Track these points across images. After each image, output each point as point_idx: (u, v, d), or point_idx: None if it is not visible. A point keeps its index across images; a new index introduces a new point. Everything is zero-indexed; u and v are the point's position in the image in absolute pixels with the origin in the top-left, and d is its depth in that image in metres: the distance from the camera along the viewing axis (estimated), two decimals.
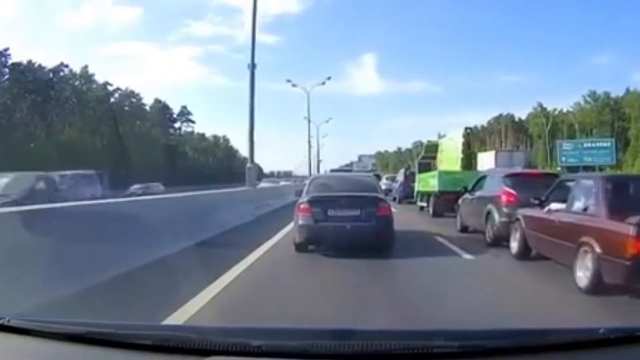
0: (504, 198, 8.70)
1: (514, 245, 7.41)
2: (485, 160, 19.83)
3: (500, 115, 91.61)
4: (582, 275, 5.21)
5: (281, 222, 11.53)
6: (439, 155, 18.04)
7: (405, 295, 5.37)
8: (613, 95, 72.75)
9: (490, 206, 8.95)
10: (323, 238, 7.67)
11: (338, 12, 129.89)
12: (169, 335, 1.60)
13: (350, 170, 37.53)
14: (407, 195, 21.43)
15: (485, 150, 34.78)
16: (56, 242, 4.83)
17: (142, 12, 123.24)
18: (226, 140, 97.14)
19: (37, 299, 3.93)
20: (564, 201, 6.21)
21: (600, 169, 47.55)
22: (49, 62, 60.41)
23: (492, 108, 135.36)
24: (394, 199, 23.34)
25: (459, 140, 16.31)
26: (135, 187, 40.99)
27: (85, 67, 64.50)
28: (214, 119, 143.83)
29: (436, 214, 14.93)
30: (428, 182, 16.52)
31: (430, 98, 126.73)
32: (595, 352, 1.48)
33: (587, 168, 47.21)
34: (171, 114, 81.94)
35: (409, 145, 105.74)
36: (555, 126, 76.96)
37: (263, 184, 34.44)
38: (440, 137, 20.14)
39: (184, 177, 58.20)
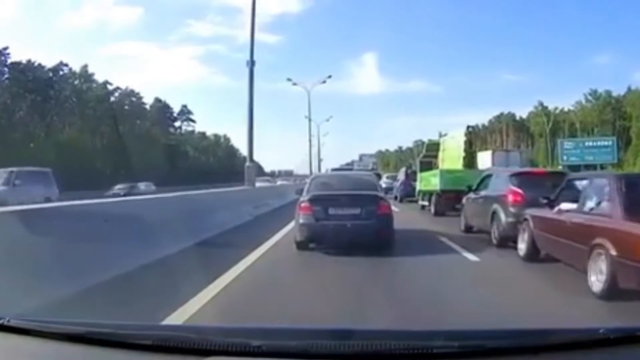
0: (510, 197, 8.43)
1: (522, 246, 7.14)
2: (484, 160, 19.83)
3: (501, 114, 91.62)
4: (596, 279, 4.95)
5: (280, 222, 11.54)
6: (440, 154, 18.01)
7: (408, 299, 5.12)
8: (614, 94, 72.78)
9: (496, 206, 8.69)
10: (324, 236, 7.74)
11: (338, 12, 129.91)
12: (168, 335, 1.60)
13: (351, 169, 37.51)
14: (408, 194, 21.44)
15: (486, 149, 34.75)
16: (56, 242, 4.83)
17: (142, 11, 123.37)
18: (227, 139, 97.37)
19: (37, 299, 3.94)
20: (574, 201, 5.96)
21: (602, 168, 47.52)
22: (49, 62, 60.52)
23: (493, 107, 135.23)
24: (395, 198, 23.37)
25: (461, 138, 16.25)
26: (118, 187, 38.79)
27: (85, 66, 64.52)
28: (215, 118, 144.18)
29: (438, 213, 14.87)
30: (430, 181, 16.49)
31: (431, 97, 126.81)
32: (595, 352, 1.47)
33: (588, 167, 47.18)
34: (171, 113, 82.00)
35: (410, 144, 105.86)
36: (556, 125, 76.91)
37: (257, 184, 34.34)
38: (441, 135, 20.06)
39: (185, 176, 58.27)
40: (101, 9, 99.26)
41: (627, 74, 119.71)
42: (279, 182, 47.68)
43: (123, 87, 70.65)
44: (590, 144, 57.78)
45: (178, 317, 4.08)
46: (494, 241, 8.55)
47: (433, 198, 15.56)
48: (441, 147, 18.22)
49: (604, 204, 5.32)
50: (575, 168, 42.81)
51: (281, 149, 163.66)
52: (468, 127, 17.26)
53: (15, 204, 10.27)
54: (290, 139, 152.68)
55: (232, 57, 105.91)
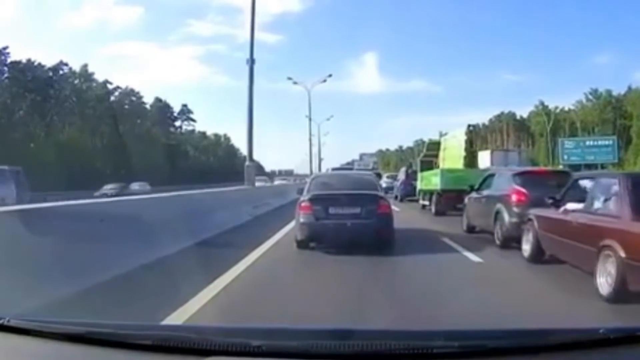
0: (514, 197, 8.27)
1: (526, 247, 6.96)
2: (483, 159, 19.85)
3: (502, 113, 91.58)
4: (604, 281, 4.79)
5: (280, 222, 11.53)
6: (441, 153, 17.97)
7: (409, 301, 5.00)
8: (615, 93, 72.68)
9: (499, 206, 8.52)
10: (324, 235, 7.79)
11: (339, 11, 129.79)
12: (168, 335, 1.60)
13: (351, 169, 37.55)
14: (409, 193, 21.45)
15: (486, 148, 34.76)
16: (56, 242, 4.83)
17: (143, 11, 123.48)
18: (227, 139, 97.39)
19: (37, 299, 3.93)
20: (581, 201, 5.80)
21: (602, 167, 47.50)
22: (49, 62, 60.51)
23: (494, 107, 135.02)
24: (396, 197, 23.38)
25: (462, 137, 16.19)
26: (108, 187, 37.88)
27: (85, 65, 64.53)
28: (215, 118, 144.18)
29: (438, 213, 14.84)
30: (430, 180, 16.47)
31: (431, 97, 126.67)
32: (595, 352, 1.47)
33: (589, 166, 47.16)
34: (172, 113, 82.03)
35: (410, 144, 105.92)
36: (557, 124, 76.82)
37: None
38: (441, 135, 20.05)
39: (185, 176, 58.31)
40: (101, 9, 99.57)
41: (627, 74, 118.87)
42: (276, 182, 45.71)
43: (123, 86, 70.82)
44: (591, 143, 57.77)
45: (178, 317, 4.08)
46: (497, 242, 8.40)
47: (434, 197, 15.54)
48: (442, 147, 18.19)
49: (613, 204, 5.16)
50: (575, 167, 42.82)
51: (282, 149, 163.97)
52: (469, 126, 17.17)
53: None
54: (291, 139, 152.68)
55: (233, 56, 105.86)
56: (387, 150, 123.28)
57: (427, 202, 16.79)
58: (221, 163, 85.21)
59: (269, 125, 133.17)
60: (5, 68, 55.59)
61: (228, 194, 15.29)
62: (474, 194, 10.33)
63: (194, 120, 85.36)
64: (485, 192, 9.75)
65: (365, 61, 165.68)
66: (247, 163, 18.48)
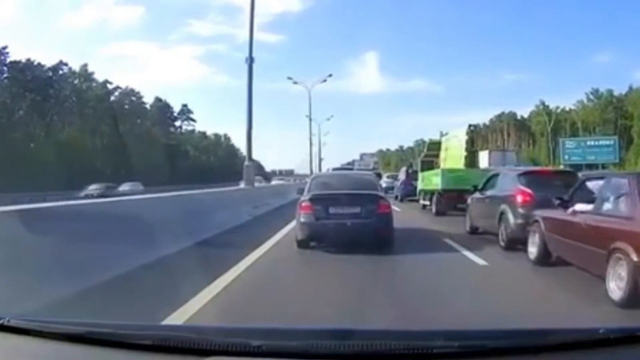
0: (519, 198, 8.06)
1: (532, 249, 6.76)
2: (481, 160, 19.85)
3: (503, 113, 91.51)
4: (615, 286, 4.61)
5: (280, 222, 11.51)
6: (442, 153, 17.94)
7: (411, 304, 4.85)
8: (616, 93, 72.64)
9: (503, 206, 8.31)
10: (324, 235, 7.86)
11: (339, 11, 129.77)
12: (168, 335, 1.61)
13: (351, 169, 37.61)
14: (409, 193, 21.44)
15: (487, 148, 34.74)
16: (56, 242, 4.83)
17: (144, 11, 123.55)
18: (227, 138, 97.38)
19: (37, 300, 3.94)
20: (589, 202, 5.62)
21: (603, 167, 47.51)
22: (49, 62, 60.54)
23: (494, 107, 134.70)
24: (396, 197, 23.38)
25: (463, 137, 16.16)
26: (92, 187, 36.31)
27: (85, 65, 64.55)
28: (216, 118, 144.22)
29: (439, 213, 14.82)
30: (431, 180, 16.46)
31: (431, 97, 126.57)
32: (595, 352, 1.47)
33: (590, 166, 47.17)
34: (172, 113, 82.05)
35: (411, 144, 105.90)
36: (557, 124, 76.82)
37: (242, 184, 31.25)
38: (442, 135, 20.02)
39: (185, 175, 58.32)
40: (101, 9, 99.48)
41: (628, 73, 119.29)
42: (274, 182, 43.70)
43: (123, 86, 70.85)
44: (592, 143, 57.84)
45: (178, 317, 4.08)
46: (502, 243, 8.20)
47: (434, 197, 15.52)
48: (442, 147, 18.17)
49: (624, 205, 4.95)
50: (577, 168, 42.80)
51: (282, 149, 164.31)
52: (470, 126, 17.13)
53: None
54: (291, 139, 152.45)
55: (233, 56, 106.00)
56: (388, 150, 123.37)
57: (427, 202, 16.78)
58: (221, 163, 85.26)
59: (270, 125, 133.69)
60: (5, 68, 55.62)
61: (228, 194, 15.28)
62: (477, 194, 10.15)
63: (194, 120, 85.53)
64: (489, 193, 9.59)
65: (365, 61, 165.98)
66: (246, 163, 18.29)
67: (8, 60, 55.51)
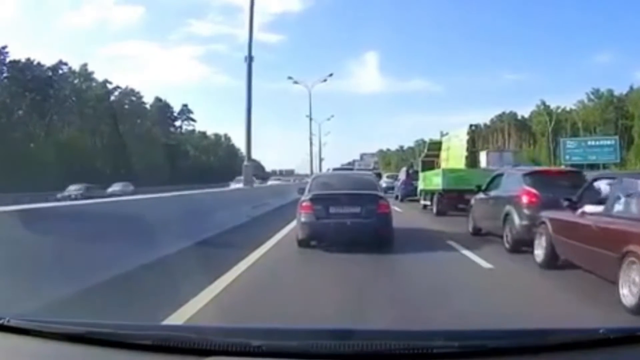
0: (524, 198, 7.83)
1: (539, 252, 6.52)
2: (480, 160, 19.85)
3: (503, 113, 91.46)
4: (628, 291, 4.39)
5: (280, 222, 11.49)
6: (442, 153, 17.91)
7: (414, 310, 4.67)
8: (617, 93, 72.60)
9: (508, 207, 8.06)
10: (324, 234, 7.94)
11: (340, 11, 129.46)
12: (169, 335, 1.61)
13: (352, 169, 37.68)
14: (409, 193, 21.44)
15: (488, 148, 34.71)
16: (56, 242, 4.83)
17: (144, 11, 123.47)
18: (227, 138, 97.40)
19: (38, 300, 3.94)
20: (599, 203, 5.42)
21: (604, 167, 47.51)
22: (50, 62, 60.56)
23: (495, 107, 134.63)
24: (396, 197, 23.39)
25: (464, 137, 16.12)
26: (72, 188, 34.72)
27: (85, 65, 64.55)
28: (216, 118, 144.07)
29: (440, 213, 14.81)
30: (432, 180, 16.44)
31: (432, 97, 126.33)
32: (595, 352, 1.47)
33: (591, 166, 47.18)
34: (172, 113, 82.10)
35: (411, 144, 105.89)
36: (558, 124, 76.78)
37: (235, 184, 27.89)
38: (442, 135, 20.01)
39: (185, 175, 58.35)
40: (102, 9, 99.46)
41: (629, 73, 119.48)
42: (270, 182, 40.72)
43: (123, 86, 70.87)
44: (593, 143, 57.85)
45: (178, 317, 4.08)
46: (507, 245, 7.95)
47: (435, 198, 15.51)
48: (443, 146, 18.15)
49: (637, 207, 4.77)
50: (578, 168, 42.73)
51: (282, 149, 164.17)
52: (471, 125, 17.09)
53: None
54: (292, 139, 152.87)
55: (233, 56, 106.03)
56: (388, 150, 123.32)
57: (428, 202, 16.76)
58: (221, 163, 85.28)
59: (270, 125, 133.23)
60: (5, 67, 55.64)
61: (228, 194, 15.27)
62: (480, 195, 9.94)
63: (194, 120, 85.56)
64: (493, 193, 9.36)
65: (365, 61, 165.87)
66: (245, 163, 18.13)
67: (7, 59, 55.58)
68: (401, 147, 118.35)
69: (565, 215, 6.06)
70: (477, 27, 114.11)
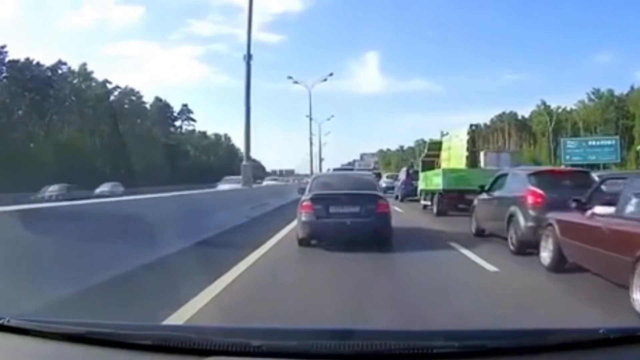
0: (530, 199, 7.63)
1: (546, 255, 6.31)
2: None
3: (503, 113, 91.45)
4: None
5: (280, 222, 11.48)
6: (442, 153, 17.90)
7: (414, 310, 4.61)
8: (617, 93, 72.57)
9: (513, 208, 7.87)
10: (325, 233, 8.07)
11: (340, 11, 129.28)
12: (169, 335, 1.61)
13: (352, 169, 37.76)
14: (409, 193, 21.45)
15: (488, 148, 34.70)
16: (56, 242, 4.83)
17: (144, 11, 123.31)
18: (227, 138, 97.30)
19: (38, 299, 3.94)
20: (610, 204, 5.20)
21: (605, 167, 47.49)
22: (50, 61, 60.56)
23: (495, 106, 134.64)
24: (396, 197, 23.41)
25: (464, 137, 16.10)
26: (50, 188, 32.84)
27: (84, 64, 64.47)
28: (216, 118, 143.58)
29: (440, 213, 14.80)
30: (432, 180, 16.42)
31: (432, 96, 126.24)
32: (595, 352, 1.47)
33: (591, 166, 47.10)
34: (172, 113, 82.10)
35: (412, 144, 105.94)
36: (558, 124, 76.77)
37: (223, 185, 25.83)
38: (443, 135, 20.00)
39: (185, 175, 58.31)
40: (102, 9, 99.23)
41: (630, 73, 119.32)
42: (265, 183, 37.83)
43: (123, 86, 70.84)
44: (593, 143, 57.78)
45: (178, 317, 4.08)
46: (511, 247, 7.74)
47: (435, 198, 15.49)
48: (444, 146, 18.15)
49: None
50: (577, 168, 42.66)
51: (283, 149, 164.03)
52: (471, 125, 17.06)
53: None
54: (292, 139, 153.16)
55: (234, 56, 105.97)
56: (388, 150, 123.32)
57: (428, 202, 16.75)
58: (221, 163, 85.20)
59: (270, 125, 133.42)
60: (4, 67, 55.62)
61: (227, 195, 15.24)
62: (484, 195, 9.74)
63: (194, 120, 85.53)
64: (496, 193, 9.15)
65: (366, 61, 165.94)
66: (244, 162, 17.81)
67: (7, 59, 55.57)
68: (401, 147, 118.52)
69: (574, 217, 5.83)
70: (477, 27, 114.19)
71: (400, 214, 15.28)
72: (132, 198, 10.18)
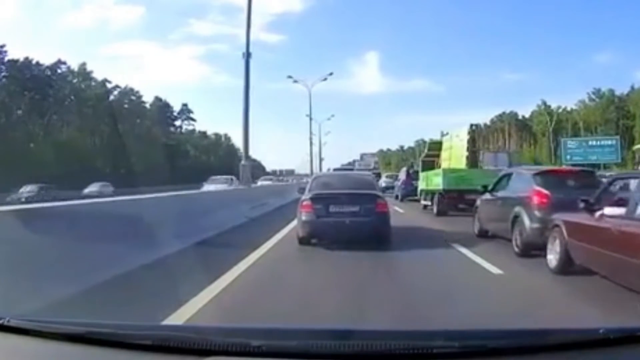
0: (535, 199, 7.45)
1: (552, 257, 6.11)
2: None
3: (504, 113, 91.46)
4: None
5: (280, 223, 11.47)
6: (443, 153, 17.89)
7: (414, 310, 4.56)
8: (618, 92, 72.56)
9: (518, 209, 7.69)
10: (324, 232, 8.21)
11: (340, 11, 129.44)
12: (169, 335, 1.61)
13: (352, 169, 37.83)
14: (409, 193, 21.45)
15: (488, 148, 34.70)
16: (56, 242, 4.83)
17: (144, 11, 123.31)
18: (227, 138, 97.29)
19: (38, 299, 3.94)
20: (620, 205, 5.04)
21: (605, 168, 47.47)
22: (48, 60, 60.52)
23: (495, 106, 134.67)
24: (396, 197, 23.41)
25: (464, 137, 16.07)
26: (26, 189, 31.27)
27: (83, 64, 64.47)
28: (216, 117, 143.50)
29: (440, 213, 14.79)
30: (432, 180, 16.41)
31: (432, 96, 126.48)
32: (595, 352, 1.48)
33: (592, 166, 47.06)
34: (172, 113, 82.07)
35: (412, 144, 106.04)
36: (559, 124, 76.77)
37: (209, 186, 25.07)
38: (443, 135, 19.99)
39: (185, 175, 58.26)
40: (102, 9, 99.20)
41: (630, 73, 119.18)
42: (259, 183, 35.44)
43: (123, 86, 70.82)
44: (594, 143, 57.80)
45: (178, 317, 4.08)
46: (516, 249, 7.54)
47: (436, 198, 15.48)
48: (444, 146, 18.13)
49: None
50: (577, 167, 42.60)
51: (283, 149, 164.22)
52: (471, 125, 17.02)
53: None
54: (293, 139, 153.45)
55: (234, 56, 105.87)
56: (388, 150, 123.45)
57: (428, 202, 16.74)
58: (221, 163, 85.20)
59: (271, 125, 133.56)
60: (3, 67, 55.60)
61: (226, 195, 15.24)
62: (487, 196, 9.54)
63: (194, 120, 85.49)
64: (500, 194, 8.96)
65: (366, 60, 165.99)
66: (242, 162, 17.60)
67: (6, 58, 55.54)
68: (401, 147, 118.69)
69: (582, 218, 5.64)
70: (477, 27, 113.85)
71: (401, 214, 15.28)
72: (132, 198, 10.16)
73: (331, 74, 47.25)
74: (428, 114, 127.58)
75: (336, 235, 8.11)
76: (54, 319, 1.74)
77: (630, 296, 4.56)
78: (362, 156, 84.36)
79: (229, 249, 8.05)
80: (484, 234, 9.47)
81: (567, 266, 5.86)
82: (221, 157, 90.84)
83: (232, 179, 26.61)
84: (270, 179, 46.94)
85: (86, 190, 34.25)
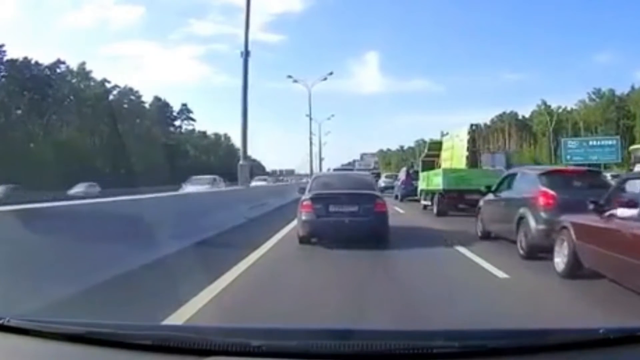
0: (541, 200, 7.23)
1: (560, 260, 5.88)
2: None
3: (504, 113, 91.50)
4: None
5: (280, 223, 11.45)
6: (443, 153, 17.89)
7: (414, 310, 4.50)
8: (618, 92, 72.56)
9: (523, 210, 7.48)
10: (324, 232, 8.30)
11: (340, 11, 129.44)
12: (169, 335, 1.61)
13: (352, 169, 37.88)
14: (409, 193, 21.43)
15: (488, 149, 34.75)
16: (56, 242, 4.83)
17: (144, 11, 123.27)
18: (227, 138, 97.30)
19: (38, 299, 3.94)
20: (631, 205, 4.87)
21: (606, 168, 47.47)
22: (47, 60, 60.49)
23: (495, 106, 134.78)
24: (396, 197, 23.41)
25: (464, 137, 16.07)
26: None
27: (83, 64, 64.43)
28: (216, 117, 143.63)
29: (440, 213, 14.77)
30: (432, 180, 16.40)
31: (432, 96, 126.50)
32: (595, 352, 1.47)
33: (593, 166, 47.07)
34: (171, 112, 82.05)
35: (412, 144, 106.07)
36: (559, 124, 76.75)
37: (190, 187, 23.27)
38: (443, 135, 20.01)
39: (185, 175, 58.24)
40: (102, 9, 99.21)
41: (630, 73, 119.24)
42: (253, 183, 30.95)
43: (122, 85, 70.79)
44: (594, 143, 57.71)
45: (178, 317, 4.08)
46: (521, 251, 7.34)
47: (436, 198, 15.47)
48: (444, 146, 18.13)
49: None
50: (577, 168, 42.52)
51: (283, 149, 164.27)
52: (471, 125, 17.02)
53: None
54: (293, 139, 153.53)
55: (234, 56, 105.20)
56: (388, 150, 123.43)
57: (428, 203, 16.73)
58: (221, 163, 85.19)
59: (271, 125, 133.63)
60: (2, 66, 55.57)
61: (225, 195, 15.24)
62: (490, 196, 9.34)
63: (193, 120, 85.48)
64: (504, 194, 8.76)
65: (366, 60, 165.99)
66: (241, 162, 17.29)
67: (5, 58, 55.53)
68: (401, 147, 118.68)
69: (591, 220, 5.44)
70: (477, 27, 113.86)
71: (401, 214, 15.28)
72: (132, 198, 10.15)
73: (331, 73, 47.27)
74: (428, 114, 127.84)
75: (335, 234, 8.22)
76: (54, 319, 1.74)
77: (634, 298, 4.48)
78: (362, 156, 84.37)
79: (229, 249, 8.06)
80: (487, 236, 9.25)
81: (575, 269, 5.66)
82: (221, 157, 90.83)
83: (215, 179, 25.42)
84: (265, 179, 44.33)
85: (72, 191, 32.68)
